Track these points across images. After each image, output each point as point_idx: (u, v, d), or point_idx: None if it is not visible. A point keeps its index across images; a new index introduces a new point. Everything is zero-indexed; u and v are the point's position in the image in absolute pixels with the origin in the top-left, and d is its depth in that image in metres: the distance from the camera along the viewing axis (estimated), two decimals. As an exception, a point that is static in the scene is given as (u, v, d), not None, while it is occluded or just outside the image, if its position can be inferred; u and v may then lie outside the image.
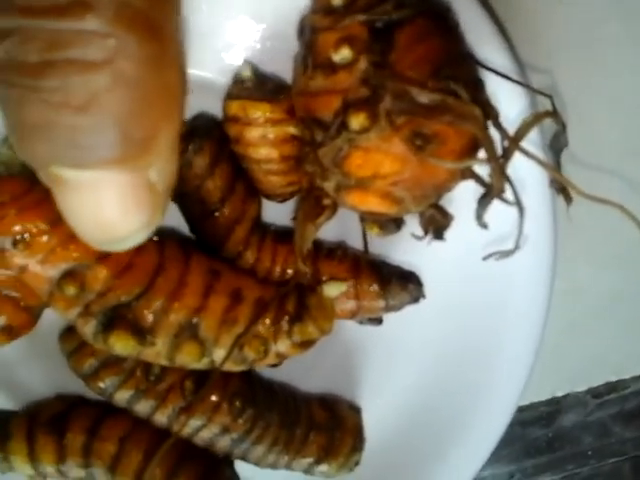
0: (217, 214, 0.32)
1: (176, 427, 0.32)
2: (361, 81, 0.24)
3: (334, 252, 0.34)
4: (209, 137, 0.31)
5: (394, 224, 0.30)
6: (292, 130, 0.29)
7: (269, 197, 0.33)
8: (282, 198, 0.33)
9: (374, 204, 0.27)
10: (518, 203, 0.26)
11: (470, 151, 0.26)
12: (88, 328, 0.28)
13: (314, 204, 0.29)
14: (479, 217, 0.28)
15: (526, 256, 0.31)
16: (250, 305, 0.30)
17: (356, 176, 0.26)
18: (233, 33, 0.31)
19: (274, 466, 0.34)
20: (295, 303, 0.31)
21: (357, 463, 0.36)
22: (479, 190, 0.28)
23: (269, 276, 0.33)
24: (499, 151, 0.26)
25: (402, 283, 0.34)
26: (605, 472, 0.47)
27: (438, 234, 0.30)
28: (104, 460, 0.32)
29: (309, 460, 0.35)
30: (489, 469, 0.45)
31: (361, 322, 0.35)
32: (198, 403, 0.32)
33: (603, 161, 0.37)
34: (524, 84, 0.30)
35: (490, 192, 0.27)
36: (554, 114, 0.27)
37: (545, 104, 0.29)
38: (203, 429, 0.32)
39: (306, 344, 0.31)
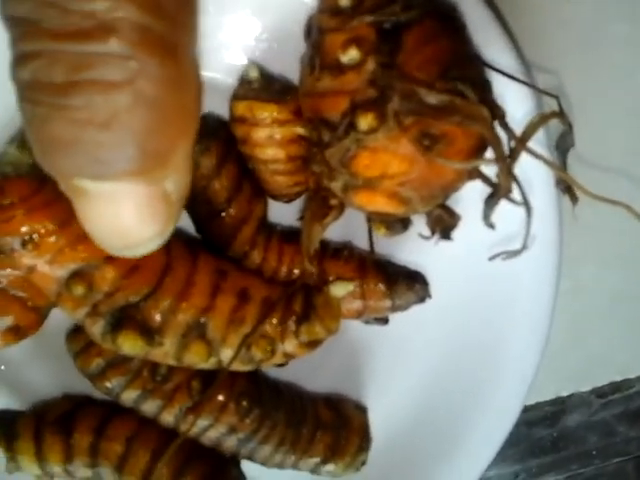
0: (224, 214, 0.32)
1: (183, 427, 0.32)
2: (369, 82, 0.24)
3: (340, 252, 0.34)
4: (216, 138, 0.31)
5: (401, 224, 0.30)
6: (299, 130, 0.29)
7: (275, 197, 0.33)
8: (288, 198, 0.33)
9: (381, 204, 0.27)
10: (526, 203, 0.26)
11: (477, 151, 0.26)
12: (96, 328, 0.28)
13: (321, 204, 0.29)
14: (486, 217, 0.28)
15: (532, 256, 0.31)
16: (257, 305, 0.30)
17: (364, 176, 0.26)
18: (239, 33, 0.31)
19: (281, 466, 0.35)
20: (302, 303, 0.31)
21: (364, 463, 0.36)
22: (485, 190, 0.28)
23: (275, 276, 0.33)
24: (506, 151, 0.26)
25: (408, 283, 0.34)
26: (609, 472, 0.47)
27: (445, 234, 0.30)
28: (111, 460, 0.32)
29: (316, 460, 0.35)
30: (494, 469, 0.45)
31: (367, 322, 0.35)
32: (205, 403, 0.32)
33: (609, 161, 0.37)
34: (531, 85, 0.30)
35: (497, 192, 0.27)
36: (561, 114, 0.27)
37: (551, 105, 0.29)
38: (210, 429, 0.32)
39: (313, 344, 0.31)
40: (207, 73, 0.30)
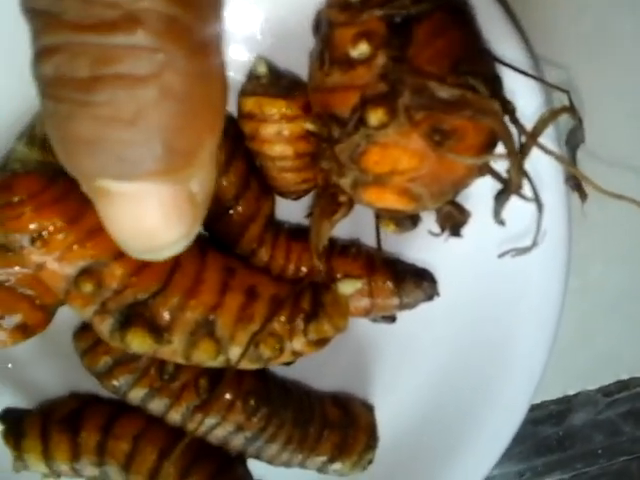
0: (231, 212, 0.31)
1: (190, 425, 0.32)
2: (379, 76, 0.24)
3: (348, 250, 0.34)
4: (224, 134, 0.30)
5: (410, 221, 0.30)
6: (308, 126, 0.29)
7: (283, 195, 0.33)
8: (296, 195, 0.33)
9: (391, 201, 0.27)
10: (537, 199, 0.26)
11: (488, 147, 0.26)
12: (105, 326, 0.28)
13: (330, 201, 0.29)
14: (497, 214, 0.28)
15: (541, 253, 0.31)
16: (265, 302, 0.30)
17: (373, 172, 0.26)
18: (245, 28, 0.31)
19: (288, 464, 0.34)
20: (310, 301, 0.31)
21: (370, 461, 0.36)
22: (494, 187, 0.28)
23: (283, 274, 0.33)
24: (517, 147, 0.26)
25: (416, 281, 0.34)
26: (614, 471, 0.47)
27: (455, 231, 0.30)
28: (118, 458, 0.32)
29: (323, 458, 0.35)
30: (500, 467, 0.45)
31: (374, 320, 0.35)
32: (212, 401, 0.32)
33: (619, 157, 0.37)
34: (541, 79, 0.30)
35: (508, 188, 0.26)
36: (571, 109, 0.27)
37: (561, 100, 0.29)
38: (217, 427, 0.32)
39: (321, 342, 0.31)
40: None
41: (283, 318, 0.30)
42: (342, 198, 0.29)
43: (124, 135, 0.19)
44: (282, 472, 0.35)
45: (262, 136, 0.30)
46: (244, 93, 0.30)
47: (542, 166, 0.30)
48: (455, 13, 0.26)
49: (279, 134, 0.30)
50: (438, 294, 0.34)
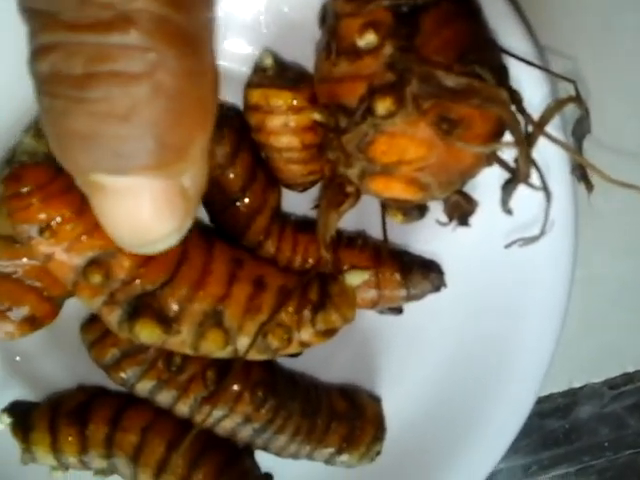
0: (238, 204, 0.32)
1: (198, 417, 0.32)
2: (387, 66, 0.24)
3: (355, 241, 0.34)
4: (230, 126, 0.31)
5: (418, 211, 0.30)
6: (315, 116, 0.29)
7: (289, 186, 0.33)
8: (302, 187, 0.33)
9: (399, 190, 0.27)
10: (545, 188, 0.26)
11: (496, 136, 0.26)
12: (113, 317, 0.28)
13: (337, 192, 0.29)
14: (504, 203, 0.28)
15: (548, 243, 0.31)
16: (273, 293, 0.30)
17: (381, 162, 0.26)
18: (252, 21, 0.31)
19: (295, 456, 0.34)
20: (318, 291, 0.31)
21: (378, 453, 0.36)
22: (502, 176, 0.28)
23: (290, 265, 0.33)
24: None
25: (423, 272, 0.34)
26: (620, 464, 0.47)
27: (463, 220, 0.30)
28: (126, 451, 0.32)
29: (330, 450, 0.35)
30: (506, 461, 0.45)
31: (381, 312, 0.35)
32: (220, 393, 0.32)
33: (625, 147, 0.37)
34: (547, 70, 0.30)
35: (516, 177, 0.26)
36: (578, 100, 0.27)
37: (568, 90, 0.29)
38: (225, 419, 0.32)
39: (329, 332, 0.31)
40: (219, 62, 0.31)
41: (291, 309, 0.30)
42: (349, 189, 0.29)
43: (118, 130, 0.20)
44: (290, 464, 0.35)
45: (268, 128, 0.30)
46: (250, 85, 0.30)
47: (548, 156, 0.30)
48: (461, 3, 0.26)
49: (285, 126, 0.30)
50: (445, 285, 0.34)
